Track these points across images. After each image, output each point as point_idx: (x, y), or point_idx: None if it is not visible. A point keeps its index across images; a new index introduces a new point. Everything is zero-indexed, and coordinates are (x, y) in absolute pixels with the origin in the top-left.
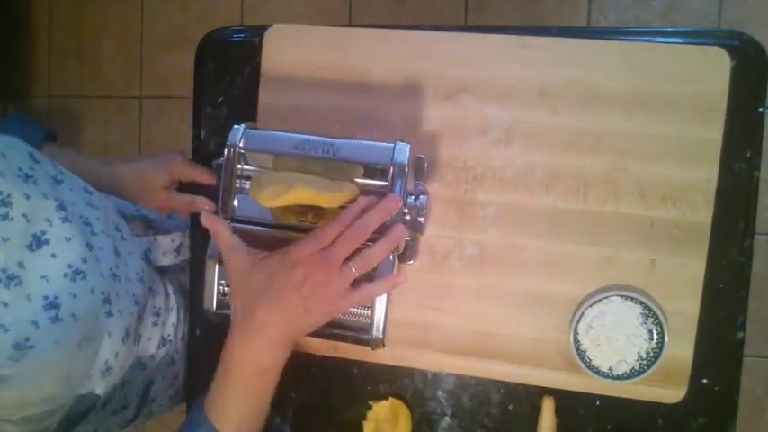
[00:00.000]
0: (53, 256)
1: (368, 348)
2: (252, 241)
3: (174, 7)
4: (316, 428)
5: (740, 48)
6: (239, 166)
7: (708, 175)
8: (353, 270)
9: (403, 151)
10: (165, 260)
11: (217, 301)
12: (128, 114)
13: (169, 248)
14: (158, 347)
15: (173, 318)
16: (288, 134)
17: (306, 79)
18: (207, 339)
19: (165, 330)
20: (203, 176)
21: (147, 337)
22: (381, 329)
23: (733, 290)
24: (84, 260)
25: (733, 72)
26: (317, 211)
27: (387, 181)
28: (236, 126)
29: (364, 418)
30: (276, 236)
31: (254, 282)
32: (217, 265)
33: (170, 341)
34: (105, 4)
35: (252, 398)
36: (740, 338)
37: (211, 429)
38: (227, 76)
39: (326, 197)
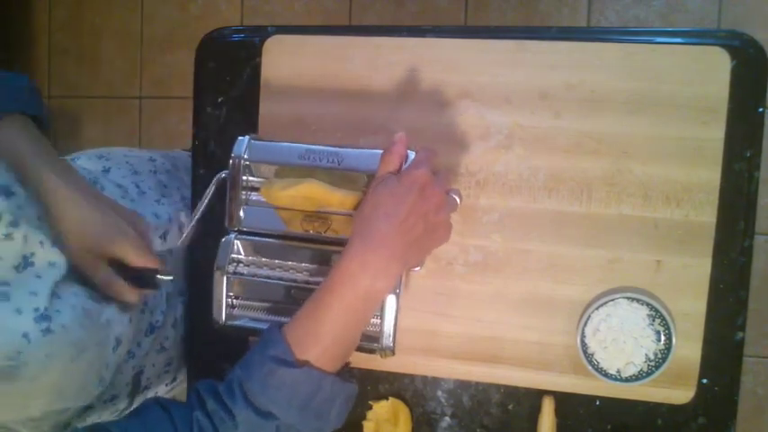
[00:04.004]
0: (38, 276)
1: (373, 357)
2: (258, 251)
3: (174, 7)
4: None
5: (740, 48)
6: (244, 177)
7: (710, 175)
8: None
9: (409, 159)
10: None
11: (226, 314)
12: (128, 114)
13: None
14: (145, 335)
15: (162, 304)
16: (292, 144)
17: (306, 88)
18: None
19: (153, 317)
20: (147, 264)
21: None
22: (392, 338)
23: (733, 290)
24: (69, 272)
25: (733, 72)
26: (324, 220)
27: None
28: (240, 138)
29: (364, 417)
30: (282, 246)
31: (377, 201)
32: (225, 278)
33: (158, 327)
34: (105, 4)
35: (350, 319)
36: (740, 338)
37: (286, 348)
38: (227, 77)
39: (338, 196)
